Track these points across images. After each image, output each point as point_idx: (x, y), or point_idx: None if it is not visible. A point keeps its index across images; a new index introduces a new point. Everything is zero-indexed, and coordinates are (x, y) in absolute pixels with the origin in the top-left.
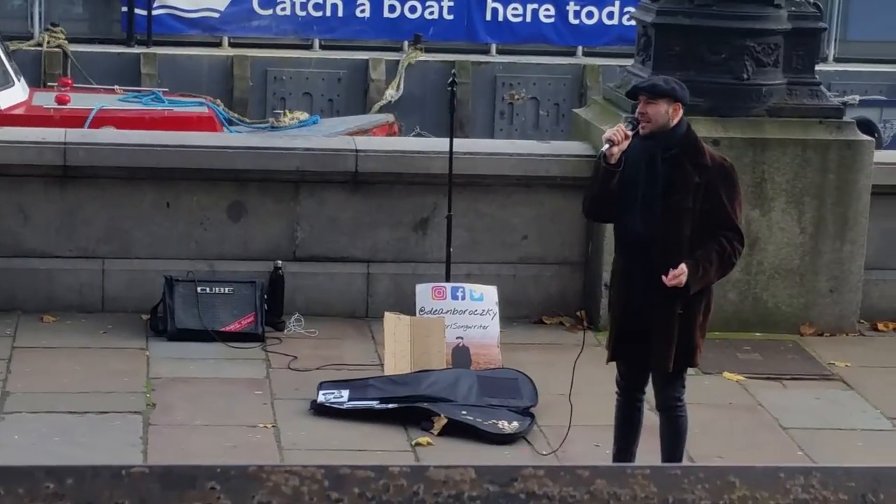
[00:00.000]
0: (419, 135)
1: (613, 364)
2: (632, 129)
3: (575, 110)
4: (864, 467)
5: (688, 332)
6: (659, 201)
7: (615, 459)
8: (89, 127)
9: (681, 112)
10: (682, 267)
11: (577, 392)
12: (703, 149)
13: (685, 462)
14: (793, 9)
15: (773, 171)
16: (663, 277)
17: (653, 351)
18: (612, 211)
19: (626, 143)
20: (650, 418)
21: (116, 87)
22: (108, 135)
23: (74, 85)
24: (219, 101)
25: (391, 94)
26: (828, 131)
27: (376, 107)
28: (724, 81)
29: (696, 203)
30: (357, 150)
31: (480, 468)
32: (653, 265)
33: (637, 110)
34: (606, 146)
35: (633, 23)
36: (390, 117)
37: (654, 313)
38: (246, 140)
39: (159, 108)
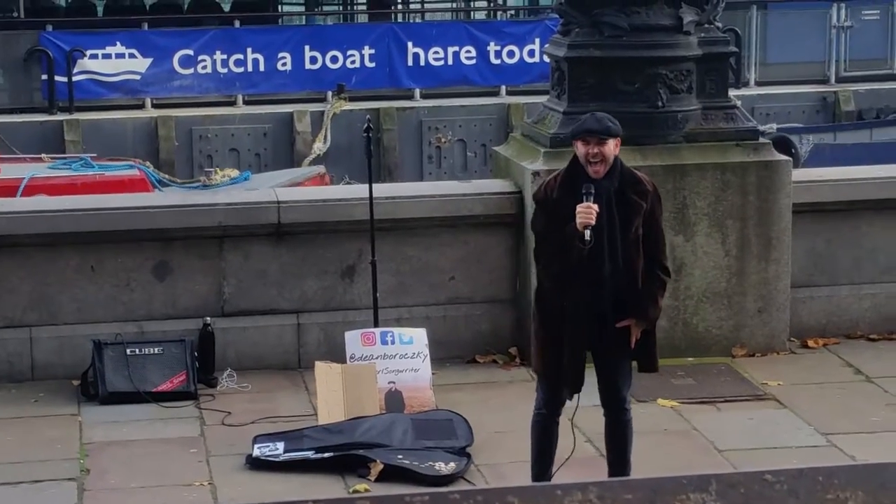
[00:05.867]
0: (349, 183)
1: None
2: (593, 199)
3: (495, 148)
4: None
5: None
6: (619, 236)
7: (538, 480)
8: (21, 196)
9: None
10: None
11: (511, 429)
12: (639, 175)
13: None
14: (702, 35)
15: (694, 196)
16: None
17: (641, 361)
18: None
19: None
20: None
21: (43, 155)
22: (27, 203)
23: (2, 156)
24: (149, 163)
25: (319, 146)
26: (745, 153)
27: (307, 161)
28: (640, 110)
29: (644, 228)
30: (279, 202)
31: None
32: (620, 295)
33: (587, 151)
34: (588, 233)
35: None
36: (321, 168)
37: (625, 334)
38: (166, 199)
39: (90, 173)
